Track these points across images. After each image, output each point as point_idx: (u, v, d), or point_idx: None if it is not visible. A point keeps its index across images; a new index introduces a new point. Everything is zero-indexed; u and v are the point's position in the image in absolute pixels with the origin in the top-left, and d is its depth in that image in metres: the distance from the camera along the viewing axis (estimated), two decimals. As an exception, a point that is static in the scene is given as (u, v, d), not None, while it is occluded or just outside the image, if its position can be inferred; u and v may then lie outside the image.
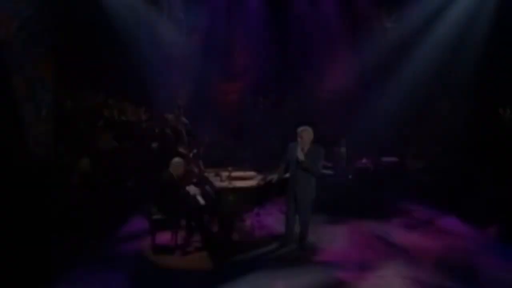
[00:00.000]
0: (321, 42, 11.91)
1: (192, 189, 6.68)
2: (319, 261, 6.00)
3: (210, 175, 6.90)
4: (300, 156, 5.85)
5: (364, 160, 8.51)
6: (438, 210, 8.27)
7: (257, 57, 12.08)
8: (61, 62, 9.72)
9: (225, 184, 6.24)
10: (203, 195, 6.47)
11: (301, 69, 12.00)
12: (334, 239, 6.78)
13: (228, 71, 12.20)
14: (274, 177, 6.24)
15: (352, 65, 11.76)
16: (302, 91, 12.05)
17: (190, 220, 6.57)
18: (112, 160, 9.36)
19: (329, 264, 5.89)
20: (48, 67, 9.61)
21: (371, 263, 5.89)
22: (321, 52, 11.93)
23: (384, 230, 7.23)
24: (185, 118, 8.49)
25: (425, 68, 10.15)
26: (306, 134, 5.92)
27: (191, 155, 7.34)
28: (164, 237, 6.41)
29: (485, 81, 9.27)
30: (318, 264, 5.91)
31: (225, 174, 6.68)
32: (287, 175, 6.19)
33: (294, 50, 11.99)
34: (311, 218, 6.28)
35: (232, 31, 11.89)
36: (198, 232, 6.53)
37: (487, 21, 9.56)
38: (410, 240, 6.80)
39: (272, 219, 7.67)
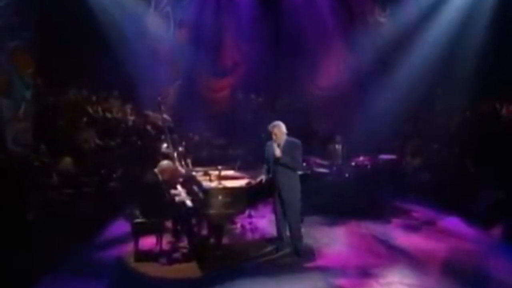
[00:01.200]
0: (315, 37, 11.53)
1: (178, 190, 6.14)
2: (316, 267, 5.49)
3: (198, 174, 6.37)
4: (277, 152, 5.46)
5: (361, 158, 8.02)
6: (438, 210, 7.82)
7: (248, 52, 11.73)
8: (41, 56, 9.24)
9: (214, 184, 5.71)
10: (190, 196, 5.91)
11: (294, 65, 11.58)
12: (332, 242, 6.29)
13: (218, 67, 11.81)
14: (263, 177, 5.81)
15: (347, 61, 11.38)
16: (296, 88, 11.63)
17: (176, 224, 6.06)
18: (95, 159, 8.80)
19: (327, 270, 5.38)
20: (27, 61, 9.09)
21: (373, 269, 5.40)
22: (315, 48, 11.57)
23: (384, 232, 6.76)
24: (167, 115, 7.94)
25: (423, 63, 9.73)
26: (277, 129, 5.58)
27: (175, 154, 6.76)
28: (147, 242, 5.88)
29: (485, 77, 8.86)
30: (315, 270, 5.40)
31: (214, 173, 6.17)
32: (264, 178, 5.78)
33: (287, 46, 11.60)
34: (299, 218, 5.79)
35: (222, 25, 11.46)
36: (185, 236, 5.98)
37: (487, 14, 9.14)
38: (412, 242, 6.33)
39: (265, 221, 7.18)
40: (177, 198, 5.84)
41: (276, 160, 5.50)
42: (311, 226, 6.75)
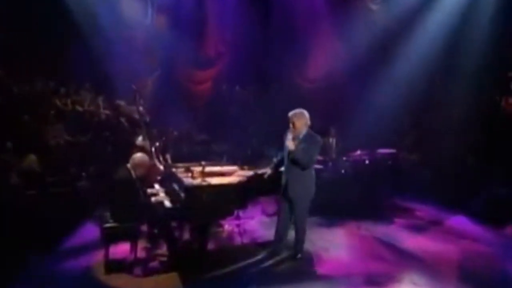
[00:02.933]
0: (305, 25, 10.87)
1: (155, 188, 5.39)
2: (316, 275, 4.85)
3: (178, 171, 5.62)
4: (290, 145, 4.82)
5: (358, 152, 7.37)
6: (441, 209, 7.25)
7: (232, 41, 11.02)
8: (3, 44, 8.39)
9: (197, 181, 4.97)
10: (170, 196, 5.15)
11: (283, 55, 10.95)
12: (330, 246, 5.63)
13: (200, 57, 11.05)
14: (266, 171, 5.22)
15: (338, 51, 10.71)
16: (284, 80, 11.00)
17: (153, 228, 5.29)
18: (64, 157, 7.98)
19: (329, 278, 4.75)
20: (-13, 49, 8.23)
21: (380, 276, 4.78)
22: (304, 37, 10.94)
23: (387, 233, 6.14)
24: (143, 107, 7.18)
25: (422, 53, 9.10)
26: (297, 119, 4.89)
27: (153, 149, 6.01)
28: (120, 250, 5.13)
29: (489, 68, 8.30)
30: (315, 278, 4.76)
31: (197, 169, 5.45)
32: (282, 169, 5.16)
33: (274, 35, 10.92)
34: (305, 219, 5.18)
35: (204, 11, 10.68)
36: (163, 242, 5.22)
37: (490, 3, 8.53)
38: (420, 244, 5.74)
39: (254, 223, 6.52)
40: (154, 198, 5.07)
41: (289, 153, 4.88)
42: (308, 228, 6.07)
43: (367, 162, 7.22)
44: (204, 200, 4.65)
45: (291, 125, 4.88)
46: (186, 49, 10.59)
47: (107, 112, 9.24)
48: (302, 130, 4.90)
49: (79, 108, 9.15)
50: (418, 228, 6.38)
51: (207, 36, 10.96)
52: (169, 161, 6.35)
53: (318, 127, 9.23)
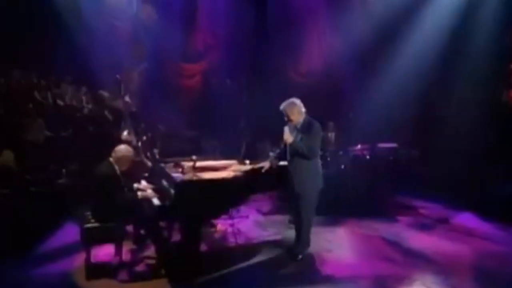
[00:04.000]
0: (299, 16, 10.53)
1: (142, 184, 4.96)
2: (321, 278, 4.48)
3: (167, 166, 5.21)
4: (286, 136, 4.60)
5: (359, 147, 7.02)
6: (446, 206, 6.93)
7: (223, 32, 10.57)
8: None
9: (188, 176, 4.57)
10: (158, 193, 4.72)
11: (276, 47, 10.54)
12: (334, 246, 5.26)
13: (189, 50, 10.63)
14: (264, 165, 4.88)
15: (336, 44, 10.34)
16: (278, 72, 10.61)
17: (140, 228, 4.89)
18: (42, 153, 7.50)
19: (334, 281, 4.39)
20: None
21: (389, 278, 4.43)
22: (299, 28, 10.56)
23: (393, 232, 5.81)
24: (128, 97, 6.76)
25: (424, 46, 8.76)
26: (289, 110, 4.65)
27: (139, 143, 5.59)
28: (103, 253, 4.74)
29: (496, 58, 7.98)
30: (320, 281, 4.38)
31: (188, 164, 5.04)
32: (282, 162, 4.91)
33: (268, 26, 10.51)
34: (311, 216, 4.86)
35: (193, 1, 10.24)
36: (151, 243, 4.80)
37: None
38: (428, 244, 5.40)
39: (249, 223, 6.14)
40: (140, 193, 4.63)
41: (289, 145, 4.64)
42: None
43: (367, 157, 6.87)
44: (196, 197, 4.25)
45: (286, 119, 4.65)
46: (174, 41, 10.21)
47: (90, 106, 8.80)
48: (298, 119, 4.65)
49: (60, 102, 8.71)
50: (424, 227, 6.05)
51: (196, 28, 10.54)
52: (157, 156, 5.95)
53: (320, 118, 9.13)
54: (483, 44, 8.10)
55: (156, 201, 4.53)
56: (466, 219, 6.40)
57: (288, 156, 4.76)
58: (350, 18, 10.00)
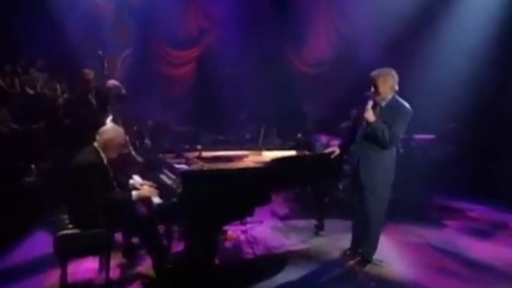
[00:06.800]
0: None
1: (136, 181, 3.98)
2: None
3: (166, 156, 4.27)
4: (369, 116, 3.83)
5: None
6: (497, 209, 6.15)
7: (218, 16, 9.66)
8: None
9: (198, 166, 3.63)
10: (157, 189, 3.75)
11: (279, 31, 9.67)
12: (383, 256, 4.31)
13: (180, 35, 9.73)
14: (335, 150, 4.38)
15: (346, 29, 9.53)
16: (280, 61, 9.81)
17: (132, 234, 3.93)
18: (8, 148, 6.55)
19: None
20: None
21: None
22: (305, 9, 9.68)
23: (444, 239, 4.96)
24: (115, 80, 5.87)
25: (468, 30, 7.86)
26: (382, 79, 3.88)
27: (126, 137, 4.64)
28: (84, 268, 3.78)
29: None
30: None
31: (192, 155, 4.13)
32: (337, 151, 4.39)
33: (269, 7, 9.65)
34: (382, 216, 4.13)
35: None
36: (147, 255, 3.82)
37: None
38: (491, 253, 4.56)
39: (265, 229, 5.20)
40: (134, 193, 3.65)
41: (367, 126, 3.93)
42: (336, 233, 4.91)
43: (401, 150, 5.98)
44: (213, 192, 3.31)
45: (372, 89, 3.89)
46: (163, 24, 9.35)
47: (66, 95, 7.83)
48: (387, 96, 3.90)
49: (30, 91, 7.79)
50: (480, 233, 5.22)
51: (188, 10, 9.65)
52: (149, 146, 5.03)
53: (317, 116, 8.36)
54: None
55: (156, 199, 3.55)
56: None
57: (358, 139, 4.07)
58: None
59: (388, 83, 3.85)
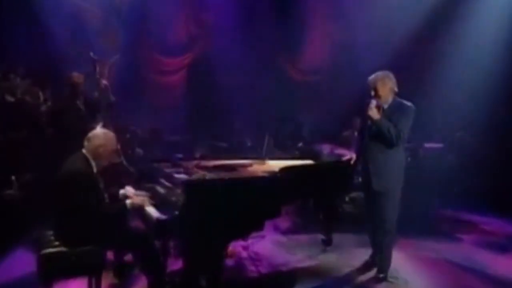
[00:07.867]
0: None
1: (129, 192, 3.64)
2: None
3: (163, 165, 3.96)
4: (373, 114, 3.83)
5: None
6: (508, 220, 6.00)
7: (210, 22, 9.51)
8: None
9: (199, 175, 3.32)
10: (153, 200, 3.43)
11: (274, 40, 9.61)
12: (403, 273, 4.08)
13: (170, 42, 9.48)
14: (351, 155, 4.39)
15: (341, 35, 9.43)
16: (274, 69, 9.69)
17: (125, 251, 3.58)
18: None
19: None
20: None
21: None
22: (301, 14, 9.55)
23: (461, 254, 4.73)
24: (105, 81, 5.61)
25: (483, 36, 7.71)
26: (381, 82, 3.95)
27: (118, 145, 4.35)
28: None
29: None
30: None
31: (191, 164, 3.85)
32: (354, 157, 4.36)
33: (264, 12, 9.50)
34: (394, 223, 3.98)
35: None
36: (141, 275, 3.47)
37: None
38: (512, 268, 4.28)
39: (267, 244, 4.91)
40: (127, 202, 3.31)
41: (371, 126, 3.95)
42: (346, 248, 4.70)
43: (409, 159, 5.75)
44: (219, 205, 3.00)
45: (372, 93, 3.93)
46: (152, 30, 9.18)
47: (49, 103, 7.49)
48: (387, 98, 3.95)
49: (10, 98, 7.37)
50: (498, 247, 5.02)
51: (178, 15, 9.42)
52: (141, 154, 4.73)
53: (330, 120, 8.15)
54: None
55: (154, 212, 3.22)
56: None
57: (365, 142, 4.06)
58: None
59: (387, 85, 3.92)
